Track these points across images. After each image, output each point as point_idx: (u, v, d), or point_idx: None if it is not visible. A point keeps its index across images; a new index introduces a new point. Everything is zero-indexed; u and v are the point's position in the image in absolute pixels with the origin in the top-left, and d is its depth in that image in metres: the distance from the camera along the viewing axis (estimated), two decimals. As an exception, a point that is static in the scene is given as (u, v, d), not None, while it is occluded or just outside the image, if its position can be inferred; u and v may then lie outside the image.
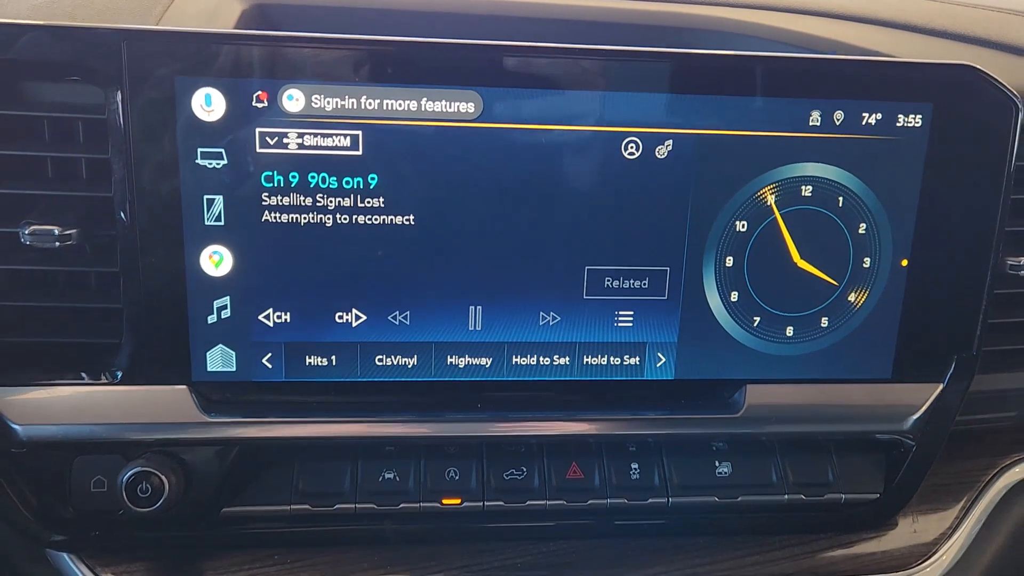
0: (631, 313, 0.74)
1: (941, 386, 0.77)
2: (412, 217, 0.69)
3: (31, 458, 0.69)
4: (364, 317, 0.71)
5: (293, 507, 0.74)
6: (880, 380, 0.77)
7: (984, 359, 0.80)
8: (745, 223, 0.72)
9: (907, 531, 0.81)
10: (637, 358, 0.75)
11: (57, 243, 0.66)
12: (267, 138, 0.67)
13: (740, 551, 0.79)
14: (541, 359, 0.74)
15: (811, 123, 0.71)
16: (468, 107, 0.68)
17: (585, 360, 0.74)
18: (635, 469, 0.77)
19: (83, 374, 0.69)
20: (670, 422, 0.75)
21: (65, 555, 0.72)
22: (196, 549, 0.75)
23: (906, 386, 0.77)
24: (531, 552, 0.78)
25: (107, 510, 0.70)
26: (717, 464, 0.78)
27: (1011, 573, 0.83)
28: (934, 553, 0.80)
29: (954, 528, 0.82)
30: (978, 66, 0.71)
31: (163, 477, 0.68)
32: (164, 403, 0.69)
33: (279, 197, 0.67)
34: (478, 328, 0.73)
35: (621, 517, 0.77)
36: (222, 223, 0.68)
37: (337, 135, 0.67)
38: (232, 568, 0.74)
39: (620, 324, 0.74)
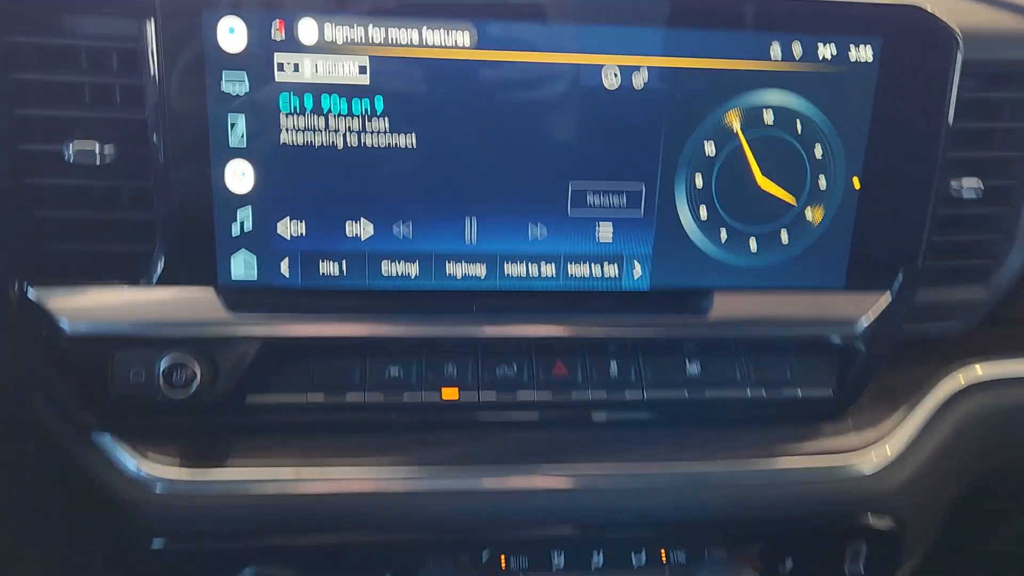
0: (610, 226, 0.82)
1: (889, 295, 0.86)
2: (414, 137, 0.77)
3: (76, 352, 0.77)
4: (371, 229, 0.79)
5: (309, 397, 0.83)
6: (834, 289, 0.86)
7: (929, 274, 0.89)
8: (713, 146, 0.80)
9: (857, 425, 0.90)
10: (616, 268, 0.83)
11: (97, 160, 0.74)
12: (284, 66, 0.75)
13: (708, 439, 0.88)
14: (530, 269, 0.82)
15: (772, 55, 0.79)
16: (463, 38, 0.76)
17: (569, 270, 0.83)
18: (613, 368, 0.86)
19: (122, 278, 0.78)
20: (645, 325, 0.84)
21: (108, 436, 0.81)
22: (224, 433, 0.84)
23: (857, 295, 0.86)
24: (520, 440, 0.87)
25: (145, 396, 0.79)
26: (687, 364, 0.87)
27: (948, 465, 0.92)
28: (880, 442, 0.89)
29: (899, 424, 0.91)
30: (924, 5, 0.79)
31: (194, 367, 0.77)
32: (194, 303, 0.78)
33: (295, 119, 0.75)
34: (474, 240, 0.81)
35: (601, 410, 0.87)
36: (244, 143, 0.76)
37: (347, 63, 0.75)
38: (256, 450, 0.83)
39: (600, 237, 0.82)
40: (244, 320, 0.79)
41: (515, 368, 0.85)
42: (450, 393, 0.84)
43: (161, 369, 0.77)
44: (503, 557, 0.85)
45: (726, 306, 0.84)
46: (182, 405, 0.79)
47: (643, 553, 0.86)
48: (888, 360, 0.91)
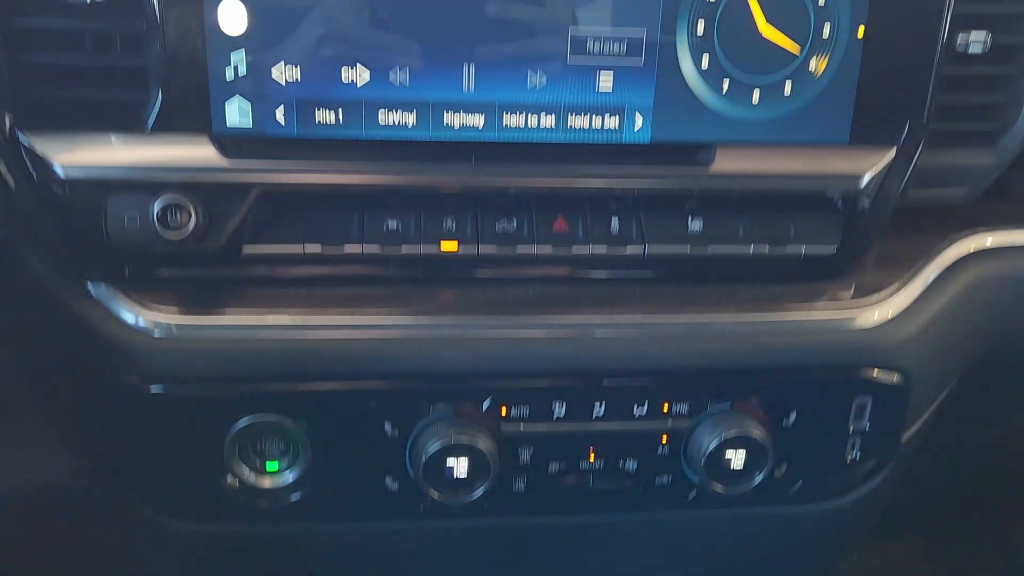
0: (611, 75, 0.80)
1: (894, 149, 0.84)
2: (412, -25, 0.76)
3: (70, 197, 0.76)
4: (367, 75, 0.78)
5: (307, 248, 0.82)
6: (838, 144, 0.84)
7: (935, 137, 0.87)
8: (715, -10, 0.79)
9: (861, 283, 0.89)
10: (616, 120, 0.82)
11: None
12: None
13: (710, 293, 0.87)
14: (530, 120, 0.81)
15: None
16: None
17: (569, 122, 0.81)
18: (614, 223, 0.85)
19: (116, 126, 0.76)
20: (647, 176, 0.83)
21: (104, 285, 0.81)
22: (222, 285, 0.83)
23: (862, 149, 0.84)
24: (521, 293, 0.86)
25: (141, 242, 0.78)
26: (689, 220, 0.86)
27: (956, 327, 0.91)
28: (885, 300, 0.88)
29: (904, 284, 0.89)
30: None
31: (189, 209, 0.76)
32: (189, 150, 0.77)
33: (290, -46, 0.74)
34: (471, 88, 0.80)
35: (601, 265, 0.86)
36: (237, -20, 0.75)
37: None
38: (255, 299, 0.82)
39: (601, 87, 0.81)
40: (239, 167, 0.78)
41: (515, 223, 0.84)
42: (449, 246, 0.83)
43: (156, 211, 0.76)
44: (504, 408, 0.84)
45: (728, 160, 0.83)
46: (178, 253, 0.79)
47: (645, 405, 0.86)
48: (893, 228, 0.90)
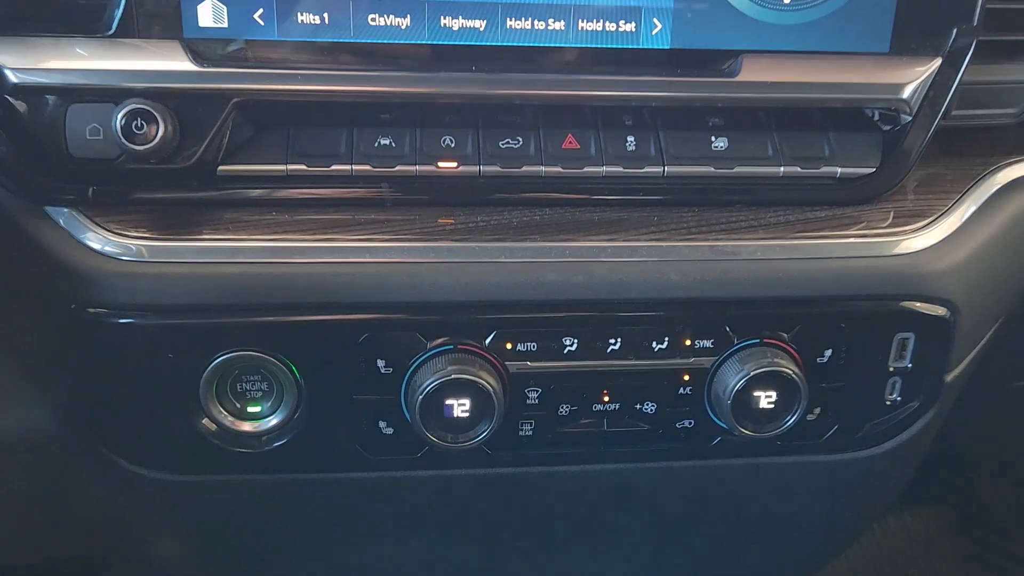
0: (626, -28, 0.73)
1: (940, 59, 0.76)
2: None
3: (26, 106, 0.69)
4: (355, -30, 0.71)
5: (290, 167, 0.74)
6: (878, 53, 0.76)
7: (985, 48, 0.79)
8: None
9: (901, 207, 0.81)
10: (633, 24, 0.74)
11: None
12: None
13: (736, 217, 0.79)
14: (536, 22, 0.73)
15: None
16: None
17: (580, 25, 0.73)
18: (631, 141, 0.77)
19: (76, 29, 0.68)
20: (667, 84, 0.75)
21: (67, 210, 0.73)
22: (196, 207, 0.75)
23: (904, 59, 0.76)
24: (524, 216, 0.78)
25: (104, 157, 0.70)
26: (713, 139, 0.78)
27: (1005, 258, 0.83)
28: (928, 226, 0.80)
29: (948, 209, 0.82)
30: None
31: (157, 116, 0.68)
32: (157, 55, 0.69)
33: None
34: (471, -13, 0.73)
35: (616, 185, 0.78)
36: None
37: None
38: (232, 223, 0.75)
39: (615, -14, 0.74)
40: (213, 75, 0.70)
41: (520, 140, 0.76)
42: (447, 165, 0.75)
43: (119, 120, 0.68)
44: (509, 343, 0.77)
45: (756, 69, 0.75)
46: (147, 172, 0.71)
47: (664, 340, 0.78)
48: (935, 151, 0.82)
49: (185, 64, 0.70)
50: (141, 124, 0.69)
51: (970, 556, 1.58)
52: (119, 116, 0.68)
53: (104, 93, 0.70)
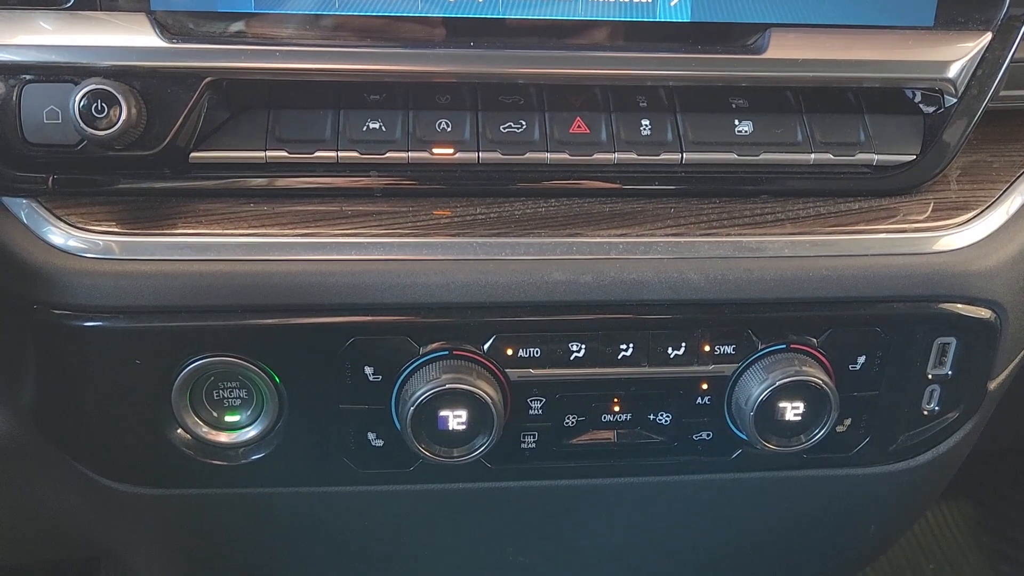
0: (642, -64, 0.66)
1: (990, 34, 0.70)
2: None
3: None
4: (341, -64, 0.64)
5: (269, 154, 0.68)
6: (921, 27, 0.69)
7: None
8: None
9: (943, 198, 0.75)
10: (648, -6, 0.68)
11: None
12: None
13: (762, 210, 0.73)
14: (541, -7, 0.67)
15: None
16: None
17: (590, -3, 0.68)
18: (646, 125, 0.71)
19: (32, 2, 0.63)
20: (686, 62, 0.68)
21: (24, 201, 0.68)
22: (165, 198, 0.69)
23: (950, 33, 0.70)
24: (528, 208, 0.72)
25: (64, 144, 0.64)
26: (737, 122, 0.72)
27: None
28: (970, 221, 0.73)
29: (994, 202, 0.75)
30: None
31: (120, 97, 0.62)
32: (121, 30, 0.63)
33: None
34: (469, -47, 0.66)
35: (629, 174, 0.72)
36: None
37: None
38: (204, 217, 0.69)
39: (629, -47, 0.67)
40: (183, 52, 0.64)
41: (523, 123, 0.70)
42: (443, 151, 0.69)
43: (78, 102, 0.62)
44: (510, 348, 0.70)
45: (785, 45, 0.69)
46: (112, 159, 0.65)
47: (681, 346, 0.72)
48: (980, 136, 0.76)
49: (152, 39, 0.64)
50: (102, 106, 0.63)
51: (987, 549, 1.54)
52: (77, 97, 0.62)
53: (62, 71, 0.64)
